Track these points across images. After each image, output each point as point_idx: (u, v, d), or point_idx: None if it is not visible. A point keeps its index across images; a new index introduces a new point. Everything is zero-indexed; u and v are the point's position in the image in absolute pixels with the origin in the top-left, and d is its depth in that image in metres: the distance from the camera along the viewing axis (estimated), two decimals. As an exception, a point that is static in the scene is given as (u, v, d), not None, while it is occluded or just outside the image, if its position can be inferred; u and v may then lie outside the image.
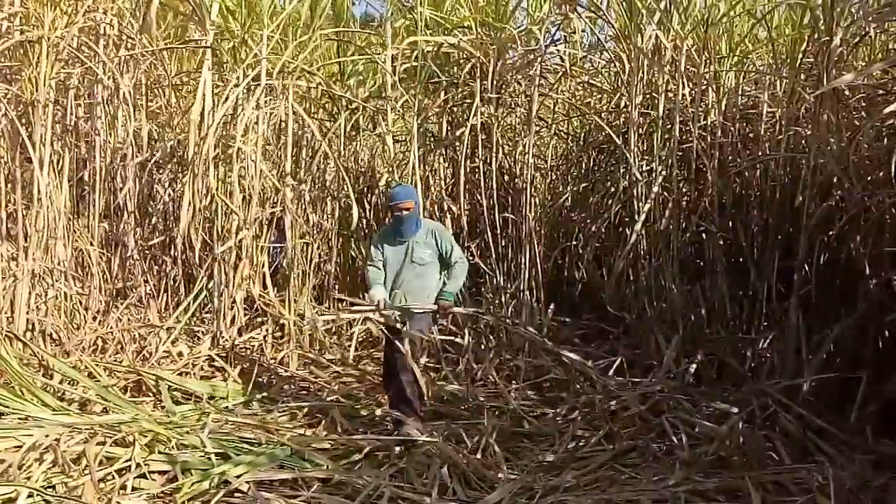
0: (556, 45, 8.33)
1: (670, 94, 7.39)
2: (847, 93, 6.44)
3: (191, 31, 8.75)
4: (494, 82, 7.95)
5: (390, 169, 8.57)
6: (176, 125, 8.55)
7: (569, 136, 9.56)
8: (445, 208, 8.33)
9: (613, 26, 7.78)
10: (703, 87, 7.50)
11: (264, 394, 6.40)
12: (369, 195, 9.00)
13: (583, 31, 8.38)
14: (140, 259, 7.65)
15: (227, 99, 7.07)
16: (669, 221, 7.27)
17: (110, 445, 4.66)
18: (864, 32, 6.30)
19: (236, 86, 7.16)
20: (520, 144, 8.53)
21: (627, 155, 7.40)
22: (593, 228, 8.14)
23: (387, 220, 8.32)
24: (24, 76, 6.85)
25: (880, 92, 6.51)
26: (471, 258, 8.01)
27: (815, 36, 6.43)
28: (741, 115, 7.80)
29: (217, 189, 7.23)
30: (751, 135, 7.87)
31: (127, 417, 5.32)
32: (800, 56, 6.94)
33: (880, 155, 6.10)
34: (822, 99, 6.11)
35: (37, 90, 6.70)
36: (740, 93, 7.82)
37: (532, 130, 7.95)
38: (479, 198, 8.24)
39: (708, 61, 7.43)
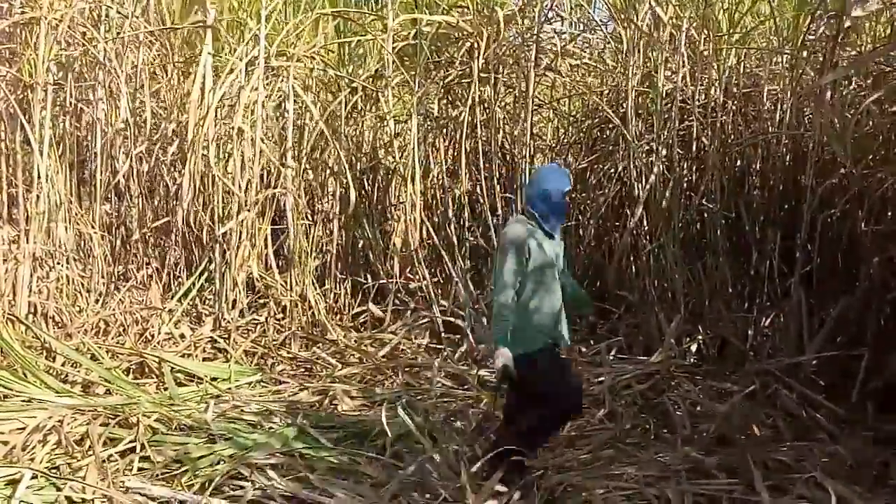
0: (552, 24, 8.27)
1: (669, 73, 7.34)
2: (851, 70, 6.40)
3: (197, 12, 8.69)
4: (491, 62, 7.90)
5: (390, 149, 8.54)
6: (179, 106, 8.49)
7: (569, 116, 9.50)
8: (446, 188, 8.30)
9: (608, 2, 7.72)
10: (704, 65, 7.44)
11: (267, 375, 6.42)
12: (371, 176, 8.95)
13: (580, 6, 8.31)
14: (142, 241, 7.64)
15: (225, 78, 7.05)
16: (670, 201, 7.24)
17: (114, 427, 4.68)
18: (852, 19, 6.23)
19: (237, 63, 7.13)
20: (519, 124, 8.48)
21: (626, 134, 7.36)
22: (592, 210, 8.12)
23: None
24: (24, 58, 6.82)
25: (886, 69, 6.46)
26: (471, 239, 7.98)
27: (818, 12, 6.38)
28: (743, 93, 7.75)
29: (218, 169, 7.21)
30: (753, 113, 7.82)
31: (130, 399, 5.33)
32: (803, 32, 6.89)
33: (884, 132, 6.07)
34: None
35: (36, 72, 6.68)
36: (742, 70, 7.76)
37: (530, 109, 7.90)
38: (479, 177, 8.21)
39: (708, 39, 7.37)
